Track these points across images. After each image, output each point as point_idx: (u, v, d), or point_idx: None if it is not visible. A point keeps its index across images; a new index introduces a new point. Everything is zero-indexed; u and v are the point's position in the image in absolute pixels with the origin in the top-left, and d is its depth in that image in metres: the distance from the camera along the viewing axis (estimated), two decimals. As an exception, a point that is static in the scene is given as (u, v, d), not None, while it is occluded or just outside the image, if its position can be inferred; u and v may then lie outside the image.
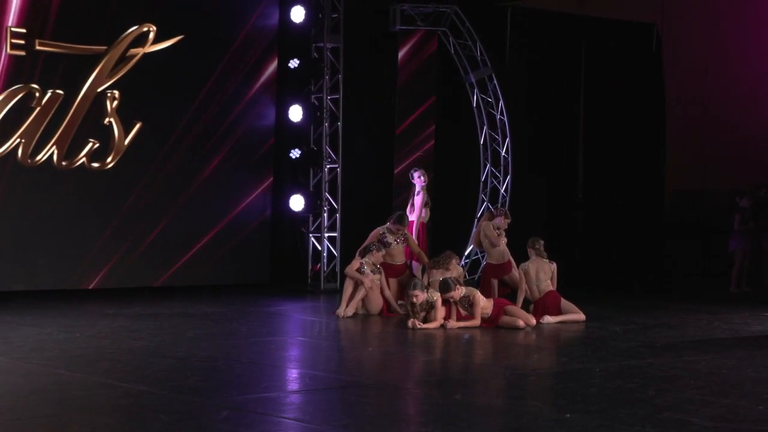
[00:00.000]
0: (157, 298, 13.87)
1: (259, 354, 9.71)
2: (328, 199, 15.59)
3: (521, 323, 11.87)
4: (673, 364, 9.52)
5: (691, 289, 17.49)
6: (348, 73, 15.64)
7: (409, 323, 11.70)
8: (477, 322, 11.79)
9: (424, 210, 14.44)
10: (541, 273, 12.62)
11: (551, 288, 12.64)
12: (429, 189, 14.66)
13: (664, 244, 18.78)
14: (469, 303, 11.85)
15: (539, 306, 12.57)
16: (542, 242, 12.78)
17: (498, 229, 13.65)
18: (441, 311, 11.80)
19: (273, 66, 15.60)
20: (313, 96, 15.61)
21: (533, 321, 12.10)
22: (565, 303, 12.66)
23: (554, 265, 12.71)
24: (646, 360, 9.72)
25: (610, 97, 17.46)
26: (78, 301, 13.33)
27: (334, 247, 15.58)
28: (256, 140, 15.54)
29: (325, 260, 15.56)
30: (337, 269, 15.32)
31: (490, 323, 11.85)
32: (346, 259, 13.71)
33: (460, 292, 11.83)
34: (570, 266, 16.75)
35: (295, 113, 15.55)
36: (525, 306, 12.67)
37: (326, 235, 15.60)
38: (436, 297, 11.88)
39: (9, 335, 10.36)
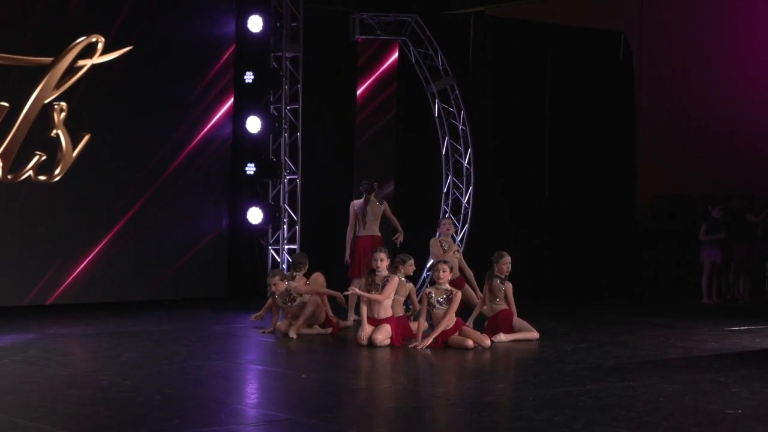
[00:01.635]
0: (105, 315, 13.57)
1: (186, 382, 9.39)
2: (287, 211, 15.34)
3: (470, 343, 11.58)
4: (611, 391, 9.23)
5: (662, 299, 17.20)
6: (307, 83, 15.38)
7: (361, 337, 11.52)
8: (452, 319, 11.53)
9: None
10: (490, 292, 12.34)
11: (505, 306, 12.36)
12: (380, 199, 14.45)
13: (642, 252, 18.49)
14: (447, 298, 11.57)
15: (491, 324, 12.30)
16: (502, 261, 12.38)
17: (444, 240, 13.43)
18: (392, 287, 11.67)
19: (230, 77, 15.32)
20: (272, 106, 15.36)
21: (487, 342, 11.77)
22: (517, 320, 12.38)
23: (507, 286, 12.36)
24: (584, 386, 9.43)
25: (577, 107, 17.18)
26: (21, 318, 13.04)
27: (294, 260, 15.34)
28: (212, 151, 15.25)
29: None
30: (296, 282, 15.05)
31: (439, 342, 11.60)
32: (306, 271, 13.43)
33: (449, 275, 11.72)
34: (537, 278, 16.50)
35: (253, 124, 15.29)
36: (479, 323, 12.40)
37: (286, 247, 15.37)
38: (391, 278, 11.72)
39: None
